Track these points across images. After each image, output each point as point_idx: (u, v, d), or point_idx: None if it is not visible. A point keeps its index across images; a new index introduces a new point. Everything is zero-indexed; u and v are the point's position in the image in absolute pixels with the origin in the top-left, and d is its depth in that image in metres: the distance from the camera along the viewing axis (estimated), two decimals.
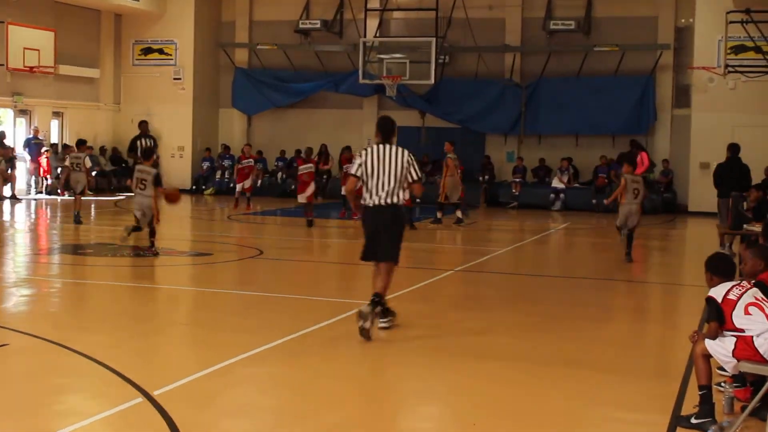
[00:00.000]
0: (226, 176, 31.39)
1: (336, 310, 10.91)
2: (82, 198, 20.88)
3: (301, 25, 30.84)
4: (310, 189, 21.16)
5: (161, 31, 32.10)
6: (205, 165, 31.98)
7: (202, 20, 32.18)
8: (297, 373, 8.18)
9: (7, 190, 26.63)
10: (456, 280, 14.01)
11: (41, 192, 28.44)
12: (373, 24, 30.35)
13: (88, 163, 21.52)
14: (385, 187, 9.79)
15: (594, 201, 27.59)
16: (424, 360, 8.73)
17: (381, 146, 9.89)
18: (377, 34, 30.15)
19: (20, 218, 22.82)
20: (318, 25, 30.67)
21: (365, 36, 29.56)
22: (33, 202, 26.38)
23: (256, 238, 19.14)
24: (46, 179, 28.80)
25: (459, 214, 21.89)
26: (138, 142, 26.96)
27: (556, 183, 28.29)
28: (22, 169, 28.11)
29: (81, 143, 22.07)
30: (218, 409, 7.09)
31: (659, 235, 22.35)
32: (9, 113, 28.71)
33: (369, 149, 9.93)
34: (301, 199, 21.19)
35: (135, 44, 32.45)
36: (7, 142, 27.33)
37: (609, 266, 16.36)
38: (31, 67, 27.23)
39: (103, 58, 31.89)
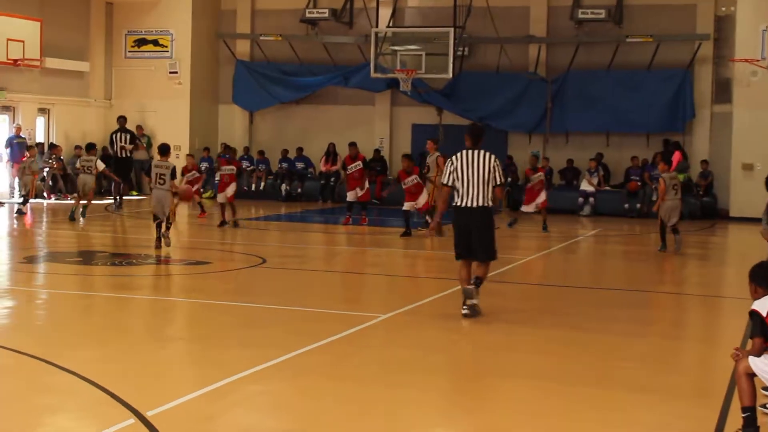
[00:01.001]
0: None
1: (343, 323, 10.91)
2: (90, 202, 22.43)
3: (307, 14, 30.82)
4: (231, 189, 21.96)
5: (156, 21, 32.15)
6: (204, 166, 31.93)
7: (201, 9, 32.23)
8: (301, 393, 8.16)
9: None
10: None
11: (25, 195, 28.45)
12: (385, 13, 30.34)
13: (100, 166, 23.00)
14: (475, 190, 11.38)
15: (626, 205, 27.53)
16: (440, 380, 8.71)
17: (471, 152, 11.54)
18: (390, 24, 30.14)
19: (1, 223, 22.87)
20: (326, 15, 30.65)
21: (377, 26, 29.53)
22: (15, 206, 26.43)
23: (259, 245, 19.15)
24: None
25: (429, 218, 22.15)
26: (114, 137, 27.78)
27: (584, 186, 28.21)
28: (3, 171, 28.11)
29: (91, 147, 23.60)
30: None
31: (698, 243, 22.27)
32: None
33: (459, 155, 11.54)
34: (221, 199, 22.05)
35: (128, 35, 32.52)
36: None
37: (643, 276, 16.30)
38: (15, 60, 27.31)
39: (93, 50, 31.95)
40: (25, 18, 27.92)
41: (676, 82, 28.48)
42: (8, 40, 27.05)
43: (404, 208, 21.06)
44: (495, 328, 11.14)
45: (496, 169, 11.47)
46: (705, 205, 27.48)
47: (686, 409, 7.93)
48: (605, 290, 14.70)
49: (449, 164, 11.64)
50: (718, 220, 26.81)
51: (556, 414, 7.75)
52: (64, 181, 29.04)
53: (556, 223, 25.28)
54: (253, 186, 30.99)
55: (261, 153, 31.34)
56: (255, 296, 13.36)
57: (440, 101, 30.09)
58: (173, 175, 17.48)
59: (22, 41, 27.54)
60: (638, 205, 27.48)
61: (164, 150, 17.93)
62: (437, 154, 21.81)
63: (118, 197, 26.58)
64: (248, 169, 31.43)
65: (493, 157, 11.55)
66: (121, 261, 16.13)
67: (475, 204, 11.41)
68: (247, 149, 32.17)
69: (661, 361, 9.86)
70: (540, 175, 22.86)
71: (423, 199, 20.94)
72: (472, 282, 11.53)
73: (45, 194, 28.57)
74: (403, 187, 21.09)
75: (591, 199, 27.98)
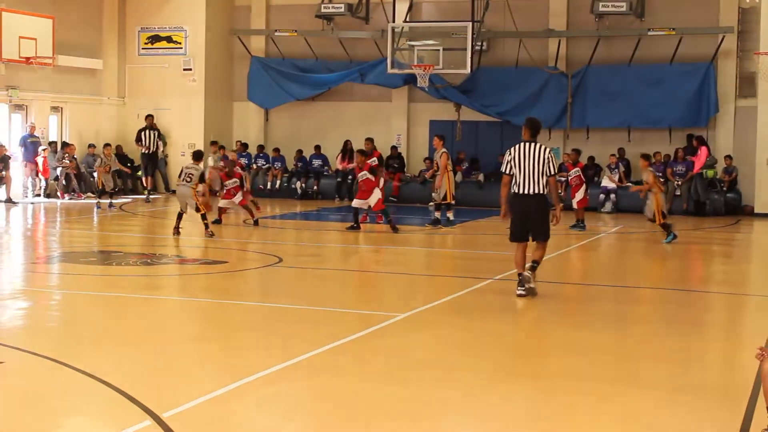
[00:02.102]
0: None
1: (361, 322, 10.94)
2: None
3: (323, 9, 30.83)
4: (238, 197, 22.08)
5: (169, 18, 32.22)
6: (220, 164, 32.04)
7: (215, 5, 32.28)
8: (318, 394, 8.19)
9: (1, 193, 26.85)
10: (495, 290, 13.95)
11: (39, 195, 28.62)
12: (402, 8, 30.34)
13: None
14: (531, 179, 12.67)
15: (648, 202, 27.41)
16: (460, 379, 8.72)
17: (527, 144, 12.87)
18: (407, 19, 30.12)
19: (16, 223, 22.99)
20: (342, 10, 30.63)
21: (394, 21, 29.54)
22: (30, 206, 26.56)
23: (275, 245, 19.18)
24: (42, 180, 28.92)
25: (450, 216, 22.57)
26: (143, 134, 28.34)
27: (605, 182, 28.13)
28: (17, 170, 28.24)
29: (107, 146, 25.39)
30: None
31: (722, 240, 22.21)
32: (3, 108, 28.89)
33: (516, 146, 12.89)
34: (225, 204, 22.46)
35: (141, 32, 32.60)
36: (1, 140, 27.55)
37: (666, 274, 16.27)
38: (28, 58, 27.41)
39: (106, 47, 32.07)
40: (38, 15, 28.01)
41: (699, 77, 28.37)
42: (21, 38, 27.15)
43: (353, 204, 21.29)
44: (516, 327, 11.15)
45: (550, 160, 12.72)
46: (729, 202, 27.35)
47: (710, 409, 7.91)
48: (628, 288, 14.67)
49: (507, 154, 12.97)
50: (743, 217, 26.69)
51: (578, 413, 7.75)
52: (77, 180, 29.14)
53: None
54: (269, 184, 31.04)
55: (276, 150, 31.37)
56: (271, 296, 13.40)
57: (458, 97, 30.05)
58: (202, 179, 20.09)
59: (35, 39, 27.63)
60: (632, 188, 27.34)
61: (198, 156, 20.71)
62: (443, 150, 21.89)
63: (146, 192, 27.25)
64: (264, 167, 31.49)
65: (547, 149, 12.83)
66: (137, 261, 16.19)
67: (531, 191, 12.71)
68: (262, 147, 32.20)
69: (685, 360, 9.84)
70: (577, 171, 22.97)
71: (375, 198, 20.86)
72: (528, 267, 12.89)
73: (58, 194, 28.70)
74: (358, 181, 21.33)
75: (612, 196, 27.88)
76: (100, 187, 26.18)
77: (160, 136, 29.71)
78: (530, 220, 12.88)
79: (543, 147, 12.85)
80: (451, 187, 22.02)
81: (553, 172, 12.80)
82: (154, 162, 29.08)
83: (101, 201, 25.91)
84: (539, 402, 8.07)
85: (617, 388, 8.49)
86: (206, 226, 19.55)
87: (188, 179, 19.79)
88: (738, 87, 28.58)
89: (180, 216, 19.77)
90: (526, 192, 12.76)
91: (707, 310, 13.46)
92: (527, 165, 12.70)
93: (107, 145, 28.02)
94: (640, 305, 13.17)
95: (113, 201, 26.03)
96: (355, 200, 21.24)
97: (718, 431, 7.32)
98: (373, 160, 22.14)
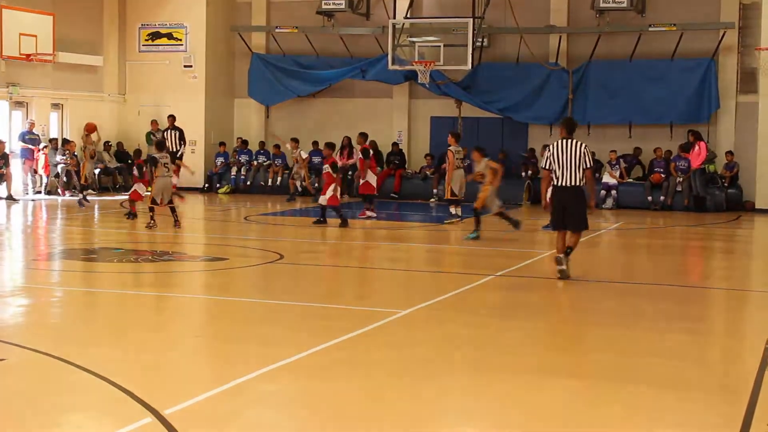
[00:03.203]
0: (243, 173, 31.49)
1: (363, 319, 10.93)
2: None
3: (323, 6, 30.75)
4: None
5: (170, 14, 32.21)
6: (219, 161, 32.06)
7: (215, 1, 32.26)
8: (319, 391, 8.18)
9: (2, 190, 26.86)
10: (497, 286, 13.97)
11: (39, 192, 28.62)
12: (403, 4, 30.30)
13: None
14: (569, 172, 13.81)
15: (650, 198, 27.44)
16: (464, 375, 8.72)
17: (565, 141, 14.00)
18: (408, 15, 30.09)
19: (17, 220, 23.00)
20: (342, 6, 30.55)
21: (395, 17, 29.52)
22: (30, 203, 26.57)
23: (276, 241, 19.19)
24: (43, 177, 28.91)
25: (453, 210, 22.54)
26: (165, 134, 29.17)
27: (606, 178, 28.13)
28: (17, 167, 28.25)
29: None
30: (235, 430, 7.11)
31: (723, 236, 22.21)
32: (4, 105, 28.89)
33: (556, 143, 14.09)
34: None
35: (141, 28, 32.58)
36: (1, 137, 27.53)
37: (667, 270, 16.25)
38: (28, 55, 27.42)
39: (107, 44, 32.06)
40: (38, 12, 28.01)
41: (700, 72, 28.35)
42: (21, 34, 27.15)
43: (319, 201, 21.55)
44: (517, 324, 11.14)
45: (585, 154, 13.87)
46: (730, 197, 27.34)
47: (713, 404, 7.92)
48: (628, 284, 14.66)
49: (546, 151, 14.34)
50: (744, 213, 26.70)
51: (580, 410, 7.75)
52: (78, 177, 29.13)
53: None
54: (269, 181, 31.05)
55: (277, 147, 31.36)
56: (273, 293, 13.40)
57: (459, 93, 30.04)
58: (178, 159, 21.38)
59: (35, 36, 27.63)
60: (662, 198, 27.39)
61: (161, 145, 21.18)
62: (448, 148, 22.04)
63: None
64: (265, 163, 31.50)
65: (583, 144, 14.01)
66: (138, 258, 16.20)
67: (569, 183, 13.87)
68: (262, 144, 32.22)
69: (686, 356, 9.84)
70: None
71: (329, 193, 20.92)
72: (564, 252, 14.12)
73: (59, 190, 28.71)
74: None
75: (614, 192, 27.89)
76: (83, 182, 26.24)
77: (182, 137, 29.95)
78: (567, 211, 13.99)
79: (579, 143, 14.00)
80: (454, 184, 22.07)
81: (588, 165, 13.90)
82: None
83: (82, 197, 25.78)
84: (541, 398, 8.06)
85: (619, 385, 8.48)
86: (176, 218, 20.29)
87: (166, 169, 20.21)
88: (739, 83, 28.56)
89: (152, 209, 20.14)
90: (564, 184, 13.90)
91: (709, 306, 13.47)
92: (565, 160, 13.83)
93: (87, 134, 27.81)
94: (641, 301, 13.15)
95: (84, 195, 25.85)
96: (320, 197, 21.51)
97: (720, 426, 7.31)
98: (356, 155, 22.35)
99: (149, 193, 20.96)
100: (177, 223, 20.29)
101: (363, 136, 25.16)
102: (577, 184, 13.92)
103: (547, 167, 14.16)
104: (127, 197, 23.10)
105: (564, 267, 14.05)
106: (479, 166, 19.90)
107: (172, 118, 30.30)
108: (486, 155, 20.27)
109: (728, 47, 28.34)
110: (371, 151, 23.98)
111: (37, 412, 7.45)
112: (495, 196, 19.35)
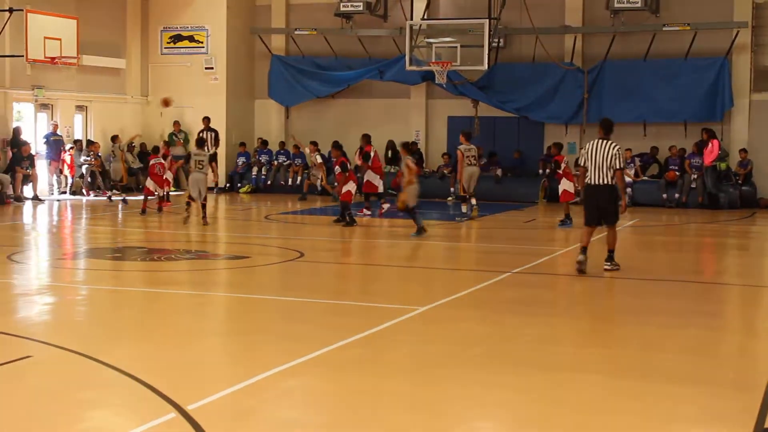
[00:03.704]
0: (263, 173, 31.55)
1: (381, 316, 10.92)
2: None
3: (342, 8, 30.81)
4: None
5: (191, 17, 32.30)
6: (241, 161, 32.13)
7: (236, 4, 32.34)
8: (339, 388, 8.19)
9: (28, 191, 26.97)
10: (514, 283, 13.95)
11: (64, 192, 28.73)
12: (420, 5, 30.28)
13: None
14: (600, 171, 14.30)
15: (664, 195, 27.36)
16: (479, 373, 8.71)
17: (600, 141, 14.49)
18: (425, 16, 30.07)
19: (43, 220, 23.09)
20: (360, 8, 30.59)
21: (412, 18, 29.48)
22: (56, 203, 26.68)
23: (296, 240, 19.21)
24: (68, 178, 29.01)
25: (465, 209, 22.90)
26: (202, 135, 29.31)
27: None
28: (42, 168, 28.38)
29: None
30: (257, 426, 7.12)
31: (737, 232, 22.12)
32: (29, 107, 29.03)
33: (591, 142, 14.57)
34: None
35: (163, 31, 32.69)
36: (27, 138, 27.65)
37: (682, 267, 16.21)
38: (53, 58, 27.50)
39: (130, 47, 32.16)
40: (62, 16, 28.07)
41: (713, 71, 28.24)
42: (46, 38, 27.21)
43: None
44: (534, 321, 11.12)
45: (617, 156, 14.22)
46: (744, 195, 27.23)
47: (727, 400, 7.88)
48: (644, 281, 14.61)
49: (583, 149, 14.95)
50: (758, 210, 26.58)
51: (597, 406, 7.73)
52: (102, 178, 29.26)
53: None
54: (290, 180, 31.10)
55: (296, 147, 31.41)
56: (293, 290, 13.41)
57: (476, 93, 30.00)
58: (213, 159, 22.18)
59: (59, 39, 27.69)
60: (677, 195, 27.30)
61: (201, 143, 22.38)
62: (459, 146, 22.38)
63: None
64: (285, 163, 31.55)
65: (616, 146, 14.37)
66: (161, 257, 16.25)
67: (601, 182, 14.38)
68: (282, 144, 32.27)
69: (701, 352, 9.81)
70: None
71: (344, 190, 21.19)
72: (606, 258, 14.83)
73: (84, 191, 28.81)
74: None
75: (629, 190, 27.76)
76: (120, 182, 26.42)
77: (217, 138, 30.08)
78: (600, 208, 14.54)
79: (612, 144, 14.40)
80: (465, 181, 22.35)
81: (619, 167, 14.30)
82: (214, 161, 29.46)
83: (114, 196, 25.96)
84: (557, 394, 8.04)
85: (634, 380, 8.46)
86: (204, 214, 21.16)
87: (200, 166, 21.14)
88: (752, 81, 28.43)
89: (190, 204, 21.31)
90: (597, 183, 14.42)
91: (724, 302, 13.41)
92: (597, 159, 14.32)
93: (116, 136, 27.93)
94: (657, 297, 13.12)
95: (115, 194, 26.04)
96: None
97: (735, 420, 7.29)
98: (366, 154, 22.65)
99: (156, 190, 22.82)
100: (204, 219, 20.97)
101: (365, 138, 25.17)
102: (608, 183, 14.37)
103: (582, 164, 14.67)
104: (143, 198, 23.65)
105: (583, 259, 14.43)
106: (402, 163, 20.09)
107: (207, 119, 30.58)
108: (411, 152, 20.44)
109: (741, 46, 28.22)
110: (372, 154, 24.07)
111: (62, 408, 7.48)
112: (414, 194, 19.34)
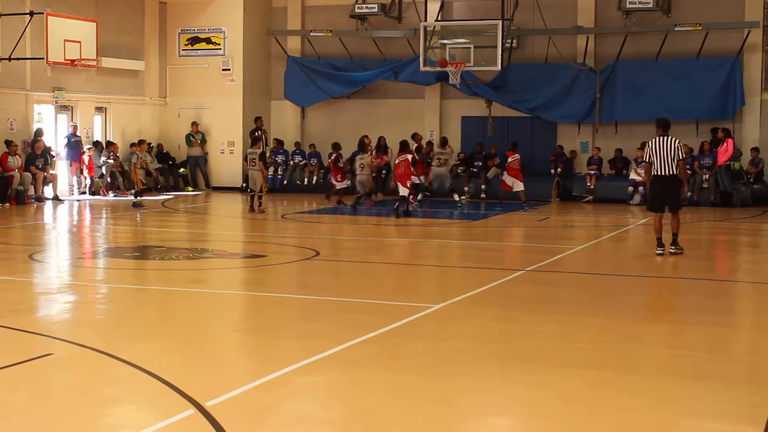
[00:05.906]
0: (280, 173, 31.58)
1: (397, 313, 10.90)
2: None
3: (357, 10, 30.83)
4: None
5: (209, 19, 32.36)
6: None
7: (252, 7, 32.39)
8: (355, 384, 8.17)
9: (48, 191, 27.05)
10: (527, 281, 13.92)
11: (84, 192, 28.81)
12: (434, 7, 30.29)
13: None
14: (666, 163, 16.08)
15: None
16: (495, 368, 8.69)
17: (661, 137, 16.18)
18: (439, 18, 30.08)
19: (63, 220, 23.16)
20: (375, 10, 30.61)
21: (426, 20, 29.48)
22: (76, 203, 26.75)
23: (312, 238, 19.22)
24: (87, 178, 29.05)
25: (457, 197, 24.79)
26: (255, 133, 29.15)
27: (633, 175, 27.95)
28: (63, 169, 28.47)
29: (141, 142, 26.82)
30: (274, 422, 7.12)
31: (749, 230, 22.02)
32: (50, 109, 29.12)
33: (654, 140, 16.28)
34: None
35: (181, 33, 32.76)
36: (47, 139, 27.72)
37: (694, 264, 16.14)
38: (73, 60, 27.55)
39: (148, 49, 32.23)
40: (82, 19, 28.13)
41: (725, 71, 28.15)
42: (65, 41, 27.26)
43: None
44: (548, 318, 11.09)
45: (678, 149, 16.07)
46: (756, 193, 27.14)
47: (740, 397, 7.84)
48: (656, 278, 14.58)
49: (647, 147, 16.53)
50: None
51: (610, 402, 7.71)
52: (122, 178, 29.34)
53: (605, 212, 25.16)
54: (306, 180, 31.13)
55: (312, 147, 31.43)
56: (309, 288, 13.41)
57: (489, 93, 29.96)
58: (262, 158, 24.08)
59: (79, 42, 27.74)
60: (689, 194, 27.18)
61: (255, 140, 25.20)
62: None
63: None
64: (301, 163, 31.59)
65: (676, 140, 16.16)
66: (179, 255, 16.26)
67: (666, 173, 16.12)
68: (298, 144, 32.31)
69: (714, 349, 9.76)
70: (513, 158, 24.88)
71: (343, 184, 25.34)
72: (670, 242, 16.46)
73: (102, 191, 28.88)
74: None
75: (640, 188, 27.70)
76: (140, 187, 26.19)
77: (266, 138, 30.48)
78: (666, 195, 16.35)
79: (673, 138, 16.13)
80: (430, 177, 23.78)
81: (682, 157, 16.17)
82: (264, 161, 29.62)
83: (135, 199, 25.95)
84: (572, 389, 8.01)
85: (648, 377, 8.42)
86: (260, 204, 23.82)
87: (253, 164, 23.66)
88: (764, 80, 28.34)
89: (252, 196, 23.84)
90: (663, 173, 16.16)
91: (736, 299, 13.36)
92: (662, 153, 16.07)
93: (141, 141, 27.95)
94: (669, 294, 13.08)
95: (138, 199, 25.94)
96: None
97: (748, 416, 7.25)
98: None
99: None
100: (260, 208, 23.80)
101: (367, 138, 26.62)
102: (673, 173, 16.10)
103: (647, 160, 16.40)
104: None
105: (672, 250, 16.35)
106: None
107: (259, 119, 30.75)
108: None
109: (753, 46, 28.13)
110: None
111: (82, 404, 7.49)
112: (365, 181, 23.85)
